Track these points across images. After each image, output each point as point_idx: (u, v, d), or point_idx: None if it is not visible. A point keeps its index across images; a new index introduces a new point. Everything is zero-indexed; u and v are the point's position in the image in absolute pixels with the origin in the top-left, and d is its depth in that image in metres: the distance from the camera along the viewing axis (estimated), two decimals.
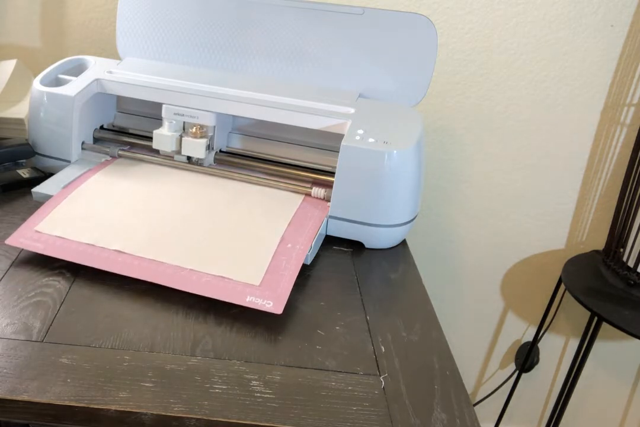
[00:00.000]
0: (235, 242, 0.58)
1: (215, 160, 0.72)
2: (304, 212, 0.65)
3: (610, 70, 0.95)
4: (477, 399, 1.27)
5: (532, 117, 0.99)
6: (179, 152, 0.70)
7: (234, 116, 0.73)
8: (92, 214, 0.60)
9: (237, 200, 0.66)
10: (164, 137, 0.69)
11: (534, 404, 1.27)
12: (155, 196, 0.64)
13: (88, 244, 0.56)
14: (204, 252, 0.57)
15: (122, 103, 0.76)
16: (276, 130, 0.73)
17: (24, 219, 0.60)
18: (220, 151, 0.73)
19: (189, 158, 0.71)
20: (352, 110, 0.67)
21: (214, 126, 0.69)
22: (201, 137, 0.69)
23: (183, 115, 0.68)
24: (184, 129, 0.70)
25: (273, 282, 0.53)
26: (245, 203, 0.65)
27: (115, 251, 0.55)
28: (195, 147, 0.68)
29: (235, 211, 0.63)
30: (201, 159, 0.71)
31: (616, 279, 0.96)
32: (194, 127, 0.68)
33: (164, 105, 0.69)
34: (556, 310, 1.14)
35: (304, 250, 0.58)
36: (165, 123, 0.69)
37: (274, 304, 0.51)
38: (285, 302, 0.51)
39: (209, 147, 0.70)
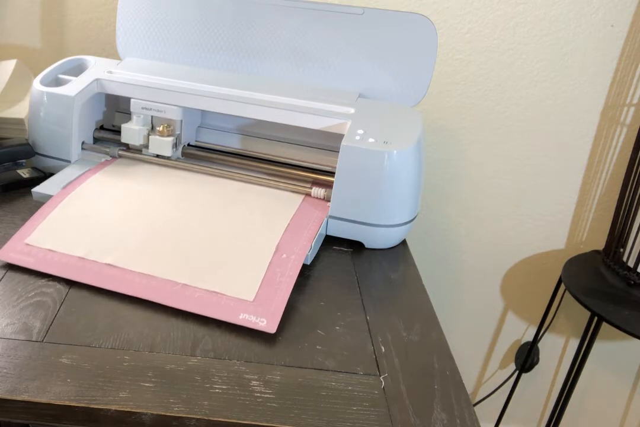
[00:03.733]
0: (231, 252, 0.57)
1: (183, 154, 0.73)
2: (304, 212, 0.65)
3: (610, 70, 0.95)
4: (477, 399, 1.27)
5: (532, 117, 0.99)
6: (146, 146, 0.71)
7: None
8: (86, 221, 0.59)
9: (236, 201, 0.65)
10: (131, 131, 0.70)
11: (534, 404, 1.27)
12: (154, 199, 0.64)
13: (79, 257, 0.55)
14: (198, 263, 0.55)
15: (121, 103, 0.76)
16: (273, 130, 0.74)
17: (24, 219, 0.60)
18: (189, 145, 0.74)
19: None
20: (352, 110, 0.67)
21: (181, 120, 0.70)
22: (168, 135, 0.70)
23: (150, 109, 0.69)
24: (152, 123, 0.71)
25: (267, 298, 0.52)
26: (244, 204, 0.65)
27: (107, 264, 0.54)
28: (162, 145, 0.70)
29: (234, 214, 0.63)
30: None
31: (616, 279, 0.96)
32: (161, 126, 0.70)
33: (132, 100, 0.70)
34: (556, 310, 1.14)
35: (299, 260, 0.57)
36: (134, 117, 0.70)
37: (267, 322, 0.50)
38: (279, 320, 0.50)
39: (176, 145, 0.72)
